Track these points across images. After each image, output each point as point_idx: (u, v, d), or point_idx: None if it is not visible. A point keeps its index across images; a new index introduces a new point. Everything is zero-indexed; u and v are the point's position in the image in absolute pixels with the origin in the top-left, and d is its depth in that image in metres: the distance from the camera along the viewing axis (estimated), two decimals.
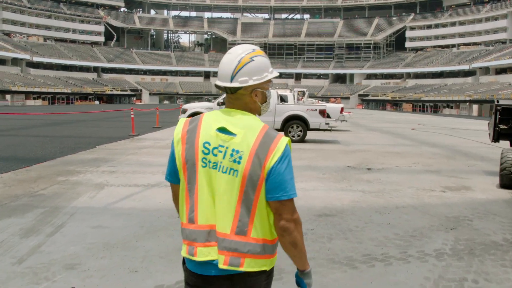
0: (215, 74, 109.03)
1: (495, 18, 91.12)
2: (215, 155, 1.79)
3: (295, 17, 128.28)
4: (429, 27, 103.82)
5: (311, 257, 4.31)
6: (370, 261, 4.22)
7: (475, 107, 70.03)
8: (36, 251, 4.27)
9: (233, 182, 1.76)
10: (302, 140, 16.12)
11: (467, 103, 70.86)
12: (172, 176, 1.93)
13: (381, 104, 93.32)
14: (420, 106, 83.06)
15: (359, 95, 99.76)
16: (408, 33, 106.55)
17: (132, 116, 18.17)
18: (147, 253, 4.33)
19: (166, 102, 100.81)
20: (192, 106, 16.79)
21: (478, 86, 78.84)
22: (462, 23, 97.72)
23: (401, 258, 4.31)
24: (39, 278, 3.69)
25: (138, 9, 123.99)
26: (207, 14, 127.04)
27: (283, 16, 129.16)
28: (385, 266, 4.12)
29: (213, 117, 1.86)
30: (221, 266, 1.76)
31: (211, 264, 1.79)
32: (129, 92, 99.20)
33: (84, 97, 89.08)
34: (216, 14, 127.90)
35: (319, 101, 31.53)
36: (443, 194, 7.44)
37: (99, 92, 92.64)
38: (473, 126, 31.07)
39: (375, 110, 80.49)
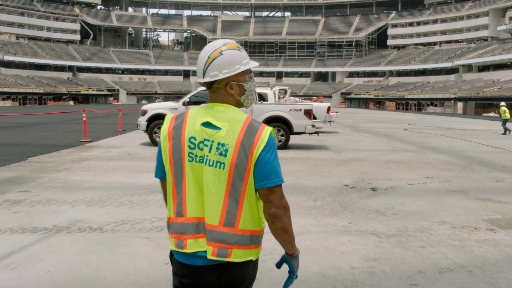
0: (194, 73, 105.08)
1: (477, 16, 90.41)
2: (201, 149, 1.82)
3: (276, 14, 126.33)
4: (411, 24, 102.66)
5: None
6: None
7: (460, 105, 68.55)
8: None
9: (220, 175, 1.80)
10: (284, 146, 13.60)
11: (452, 101, 69.34)
12: (162, 173, 1.95)
13: (364, 103, 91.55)
14: (403, 104, 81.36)
15: (342, 93, 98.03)
16: (390, 31, 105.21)
17: (84, 119, 15.41)
18: None
19: (145, 102, 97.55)
20: (153, 107, 14.10)
21: (462, 84, 77.54)
22: (443, 20, 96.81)
23: None
24: None
25: (116, 7, 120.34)
26: (186, 12, 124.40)
27: (264, 13, 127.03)
28: None
29: (197, 112, 1.88)
30: (209, 256, 1.81)
31: (199, 255, 1.83)
32: (105, 92, 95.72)
33: (58, 97, 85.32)
34: (195, 12, 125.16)
35: (303, 100, 29.14)
36: (495, 236, 5.00)
37: (74, 92, 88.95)
38: (467, 126, 29.04)
39: (358, 109, 78.49)
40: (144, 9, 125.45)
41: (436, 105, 73.80)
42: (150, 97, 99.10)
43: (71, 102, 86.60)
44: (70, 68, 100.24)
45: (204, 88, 10.86)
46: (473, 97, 64.51)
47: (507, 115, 22.08)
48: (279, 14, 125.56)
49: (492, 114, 57.92)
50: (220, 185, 1.79)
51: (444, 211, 6.11)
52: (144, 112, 13.89)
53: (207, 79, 1.85)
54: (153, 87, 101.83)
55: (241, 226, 1.81)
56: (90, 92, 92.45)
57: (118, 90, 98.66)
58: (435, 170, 9.72)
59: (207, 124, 1.82)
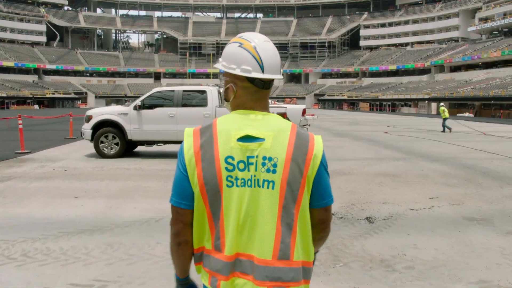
0: (165, 75, 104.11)
1: (447, 17, 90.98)
2: (242, 170, 1.52)
3: (248, 16, 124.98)
4: (383, 25, 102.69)
5: None
6: None
7: (434, 105, 67.93)
8: None
9: (271, 197, 1.51)
10: None
11: (426, 101, 68.80)
12: (185, 200, 1.57)
13: (337, 104, 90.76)
14: (377, 105, 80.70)
15: (315, 94, 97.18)
16: (362, 32, 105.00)
17: (20, 127, 13.13)
18: None
19: (113, 105, 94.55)
20: (99, 112, 11.95)
21: (435, 84, 77.37)
22: (415, 21, 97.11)
23: None
24: None
25: (83, 8, 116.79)
26: (157, 13, 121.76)
27: (236, 15, 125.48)
28: None
29: (230, 123, 1.56)
30: None
31: None
32: (72, 96, 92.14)
33: (22, 101, 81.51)
34: (166, 13, 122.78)
35: (275, 102, 27.31)
36: None
37: (39, 96, 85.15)
38: (478, 128, 27.59)
39: (332, 110, 77.37)
40: (113, 10, 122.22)
41: (410, 106, 73.25)
42: (120, 100, 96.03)
43: (36, 106, 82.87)
44: (36, 71, 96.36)
45: (160, 89, 8.85)
46: (447, 97, 64.02)
47: (446, 114, 23.58)
48: (251, 15, 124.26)
49: (467, 114, 57.47)
50: (271, 209, 1.50)
51: (476, 258, 4.30)
52: (88, 118, 11.75)
53: (281, 76, 1.66)
54: (122, 89, 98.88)
55: (295, 257, 1.52)
56: (57, 95, 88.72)
57: (86, 93, 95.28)
58: (437, 186, 7.98)
59: (246, 138, 1.51)
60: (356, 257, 4.30)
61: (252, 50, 1.58)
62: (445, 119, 23.29)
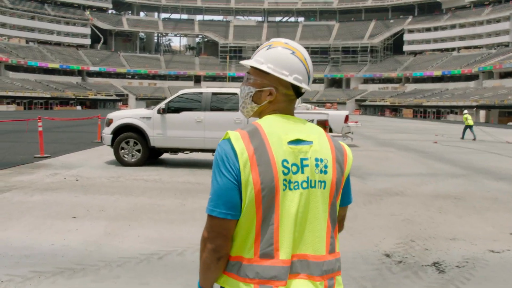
0: (206, 78, 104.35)
1: (497, 21, 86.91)
2: (295, 173, 1.53)
3: (289, 20, 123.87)
4: (428, 30, 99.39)
5: None
6: None
7: (482, 113, 64.66)
8: None
9: (323, 196, 1.57)
10: None
11: (474, 109, 65.56)
12: (232, 209, 1.50)
13: (379, 110, 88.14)
14: (421, 112, 77.74)
15: (356, 100, 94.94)
16: (406, 36, 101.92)
17: (40, 129, 12.32)
18: None
19: (153, 107, 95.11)
20: (120, 115, 10.90)
21: (483, 91, 73.73)
22: (462, 25, 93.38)
23: None
24: None
25: (127, 11, 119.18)
26: (198, 17, 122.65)
27: (277, 19, 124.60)
28: None
29: (275, 127, 1.55)
30: None
31: None
32: (114, 97, 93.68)
33: (65, 102, 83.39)
34: (207, 17, 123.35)
35: (316, 107, 25.90)
36: None
37: (81, 97, 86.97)
38: (500, 136, 25.48)
39: (373, 116, 74.97)
40: (155, 14, 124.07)
41: (456, 113, 69.87)
42: (160, 102, 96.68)
43: (79, 107, 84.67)
44: (80, 73, 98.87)
45: (187, 91, 7.81)
46: (497, 104, 60.73)
47: (470, 122, 23.49)
48: (292, 19, 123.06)
49: None
50: (324, 207, 1.56)
51: None
52: (109, 122, 10.75)
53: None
54: (163, 92, 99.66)
55: (337, 249, 1.61)
56: (99, 97, 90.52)
57: (127, 95, 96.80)
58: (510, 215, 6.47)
59: (297, 141, 1.53)
60: None
61: (304, 60, 1.61)
62: (467, 127, 23.44)
